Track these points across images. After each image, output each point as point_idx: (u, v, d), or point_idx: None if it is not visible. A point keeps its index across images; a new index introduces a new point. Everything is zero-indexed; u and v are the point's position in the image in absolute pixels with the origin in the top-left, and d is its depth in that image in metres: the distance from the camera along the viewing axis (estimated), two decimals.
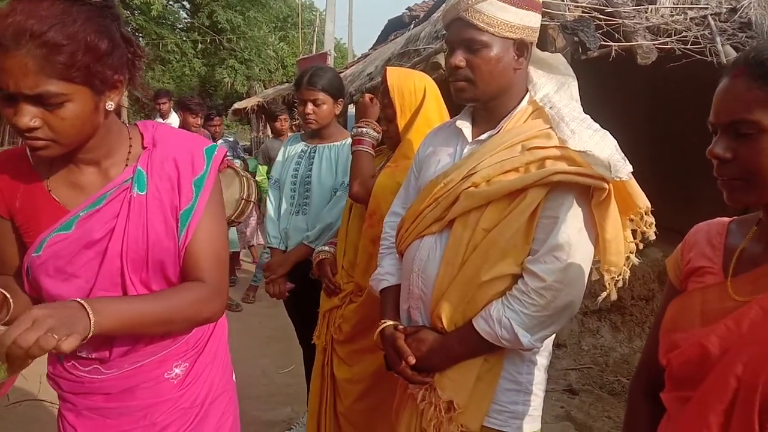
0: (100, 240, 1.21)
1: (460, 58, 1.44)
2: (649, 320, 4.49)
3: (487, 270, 1.41)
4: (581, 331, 4.44)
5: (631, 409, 1.27)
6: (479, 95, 1.48)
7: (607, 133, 1.40)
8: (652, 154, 5.41)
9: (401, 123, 2.07)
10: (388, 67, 2.15)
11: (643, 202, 1.44)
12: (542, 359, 1.53)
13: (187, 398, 1.39)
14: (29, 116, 1.05)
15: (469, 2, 1.40)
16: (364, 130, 2.16)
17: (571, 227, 1.37)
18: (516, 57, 1.44)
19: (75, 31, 1.04)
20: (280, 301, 2.80)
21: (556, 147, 1.39)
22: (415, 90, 2.07)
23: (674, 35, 3.58)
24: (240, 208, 3.07)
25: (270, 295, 2.73)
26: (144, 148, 1.29)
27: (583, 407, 3.53)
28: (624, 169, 1.32)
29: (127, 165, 1.26)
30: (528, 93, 1.50)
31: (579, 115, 1.42)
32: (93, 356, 1.29)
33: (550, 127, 1.41)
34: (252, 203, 3.11)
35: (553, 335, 1.57)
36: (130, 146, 1.28)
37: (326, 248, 2.40)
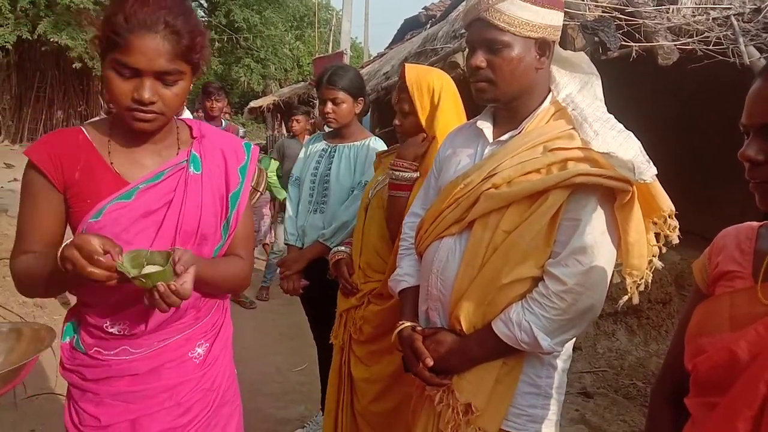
0: (157, 210, 1.32)
1: (481, 59, 1.42)
2: (665, 324, 4.44)
3: (507, 272, 1.39)
4: (596, 334, 4.41)
5: (653, 414, 1.25)
6: (500, 96, 1.46)
7: (631, 134, 1.38)
8: (673, 156, 5.35)
9: (423, 118, 2.05)
10: (406, 64, 2.13)
11: (667, 205, 1.41)
12: (562, 362, 1.51)
13: (207, 379, 1.46)
14: (151, 91, 1.22)
15: (490, 2, 1.38)
16: (404, 174, 2.05)
17: (594, 230, 1.35)
18: (538, 56, 1.42)
19: (194, 21, 1.26)
20: (293, 298, 2.81)
21: (578, 148, 1.37)
22: (432, 88, 2.05)
23: (696, 36, 3.53)
24: (255, 198, 3.11)
25: (284, 291, 2.74)
26: (193, 137, 1.44)
27: (598, 411, 3.50)
28: (648, 171, 1.30)
29: (179, 149, 1.41)
30: (551, 93, 1.48)
31: (603, 116, 1.40)
32: (127, 332, 1.36)
33: (573, 128, 1.39)
34: (259, 192, 3.14)
35: (573, 339, 1.56)
36: (178, 134, 1.43)
37: (342, 248, 2.39)
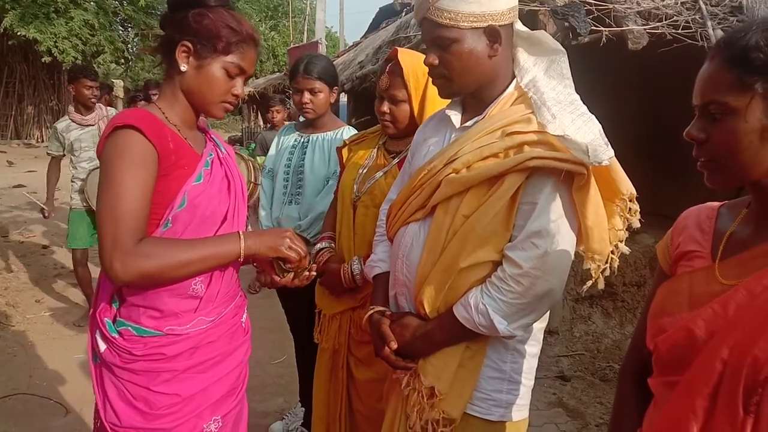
0: (223, 177, 1.53)
1: (433, 57, 1.44)
2: (640, 306, 4.50)
3: (465, 257, 1.39)
4: (573, 318, 4.45)
5: (620, 394, 1.26)
6: (458, 89, 1.47)
7: (593, 117, 1.38)
8: (645, 140, 5.41)
9: (415, 106, 1.97)
10: (399, 49, 2.03)
11: (627, 188, 1.41)
12: (530, 348, 1.52)
13: (249, 344, 1.66)
14: (242, 87, 1.49)
15: (431, 1, 1.39)
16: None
17: (551, 213, 1.35)
18: (489, 45, 1.41)
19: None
20: (272, 291, 2.77)
21: (534, 132, 1.37)
22: (425, 74, 1.90)
23: (665, 20, 3.56)
24: (250, 191, 3.08)
25: (260, 284, 2.70)
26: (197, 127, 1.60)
27: (575, 393, 3.54)
28: (604, 153, 1.30)
29: (203, 135, 1.61)
30: (515, 79, 1.47)
31: (565, 98, 1.39)
32: (201, 305, 1.48)
33: (532, 112, 1.39)
34: (260, 186, 3.12)
35: (544, 324, 1.56)
36: None
37: (325, 245, 2.23)
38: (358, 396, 2.11)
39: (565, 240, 1.37)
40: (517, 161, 1.34)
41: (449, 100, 1.73)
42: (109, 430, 1.43)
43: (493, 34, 1.40)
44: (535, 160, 1.33)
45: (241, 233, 1.44)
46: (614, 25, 3.48)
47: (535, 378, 3.75)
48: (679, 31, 3.50)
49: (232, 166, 1.59)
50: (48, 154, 4.58)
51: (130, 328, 1.43)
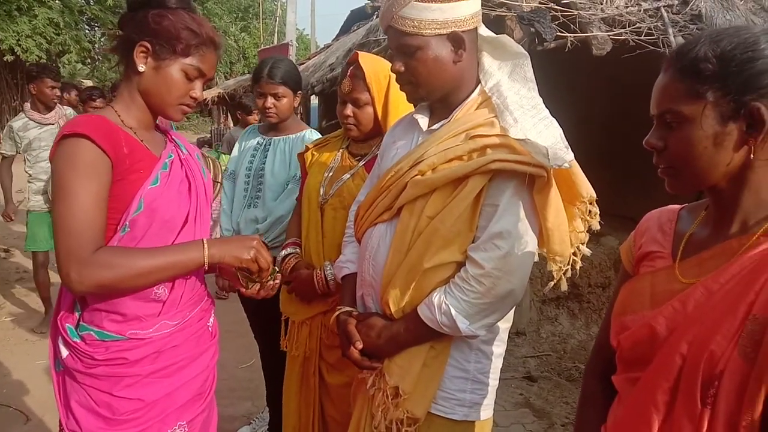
0: (183, 179, 1.51)
1: (399, 64, 1.46)
2: (606, 307, 4.56)
3: (429, 257, 1.41)
4: (540, 319, 4.51)
5: (585, 392, 1.28)
6: (425, 95, 1.49)
7: (554, 121, 1.40)
8: (610, 144, 5.51)
9: (379, 108, 1.98)
10: (359, 52, 2.04)
11: (587, 191, 1.45)
12: (495, 348, 1.54)
13: (216, 348, 1.64)
14: (200, 90, 1.49)
15: (394, 10, 1.41)
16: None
17: (512, 215, 1.38)
18: (454, 50, 1.43)
19: None
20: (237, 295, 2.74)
21: (497, 135, 1.39)
22: (387, 77, 1.96)
23: (628, 26, 3.64)
24: (216, 191, 3.04)
25: (219, 288, 2.65)
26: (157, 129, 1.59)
27: (542, 394, 3.59)
28: (564, 157, 1.32)
29: (163, 136, 1.59)
30: (480, 83, 1.49)
31: (528, 103, 1.41)
32: (165, 308, 1.47)
33: (495, 116, 1.41)
34: (219, 183, 3.07)
35: (509, 324, 1.58)
36: None
37: (291, 250, 2.18)
38: (331, 402, 2.09)
39: (527, 241, 1.39)
40: (480, 164, 1.36)
41: (406, 103, 1.74)
42: None
43: (456, 40, 1.42)
44: (496, 162, 1.35)
45: (204, 241, 1.41)
46: (579, 31, 3.55)
47: (502, 378, 3.80)
48: (642, 37, 3.59)
49: (194, 167, 1.57)
50: (0, 154, 4.40)
51: (92, 332, 1.40)
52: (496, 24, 3.67)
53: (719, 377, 0.86)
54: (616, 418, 1.06)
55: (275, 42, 17.72)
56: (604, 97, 5.61)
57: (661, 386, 0.93)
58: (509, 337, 4.66)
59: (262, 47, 15.50)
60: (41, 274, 4.45)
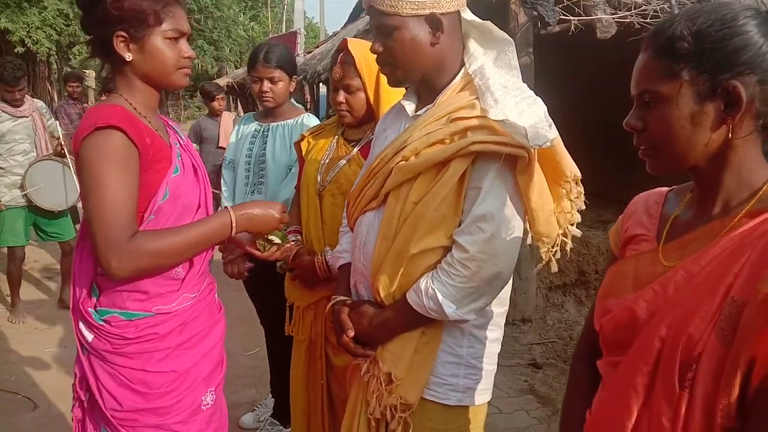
0: (192, 165, 1.55)
1: (377, 45, 1.46)
2: None
3: (415, 243, 1.40)
4: (546, 306, 4.50)
5: (572, 377, 1.27)
6: (404, 77, 1.49)
7: (538, 99, 1.39)
8: (615, 129, 5.45)
9: (371, 94, 1.98)
10: (348, 39, 2.05)
11: (571, 170, 1.44)
12: (488, 333, 1.52)
13: (223, 322, 1.68)
14: (189, 48, 1.48)
15: None
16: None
17: (495, 197, 1.37)
18: (432, 32, 1.42)
19: None
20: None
21: (477, 117, 1.38)
22: (375, 61, 1.99)
23: (634, 9, 3.58)
24: None
25: (228, 276, 2.68)
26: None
27: (547, 381, 3.58)
28: (546, 135, 1.30)
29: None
30: (464, 67, 1.48)
31: (510, 84, 1.40)
32: (184, 280, 1.52)
33: (476, 98, 1.40)
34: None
35: (504, 309, 1.57)
36: None
37: (292, 238, 2.20)
38: (337, 383, 2.12)
39: (512, 223, 1.38)
40: (460, 146, 1.35)
41: (393, 85, 1.74)
42: (110, 417, 1.43)
43: (434, 22, 1.41)
44: (476, 144, 1.34)
45: (229, 209, 1.47)
46: (583, 14, 3.50)
47: (507, 365, 3.77)
48: (648, 20, 3.53)
49: (194, 153, 1.61)
50: None
51: (116, 314, 1.44)
52: (499, 8, 3.63)
53: (697, 360, 0.85)
54: (598, 403, 1.06)
55: (283, 30, 17.68)
56: (608, 81, 5.54)
57: (640, 370, 0.92)
58: (515, 324, 4.62)
59: (271, 36, 15.46)
60: (14, 270, 4.43)
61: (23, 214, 4.32)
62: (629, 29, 3.55)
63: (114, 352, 1.43)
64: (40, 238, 4.64)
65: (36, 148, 4.38)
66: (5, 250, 4.61)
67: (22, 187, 4.24)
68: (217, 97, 5.65)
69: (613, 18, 3.48)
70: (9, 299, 4.60)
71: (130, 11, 1.38)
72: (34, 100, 4.62)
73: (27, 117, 4.32)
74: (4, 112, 4.25)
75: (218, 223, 1.45)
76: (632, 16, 3.52)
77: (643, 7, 3.57)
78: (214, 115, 5.69)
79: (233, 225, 1.45)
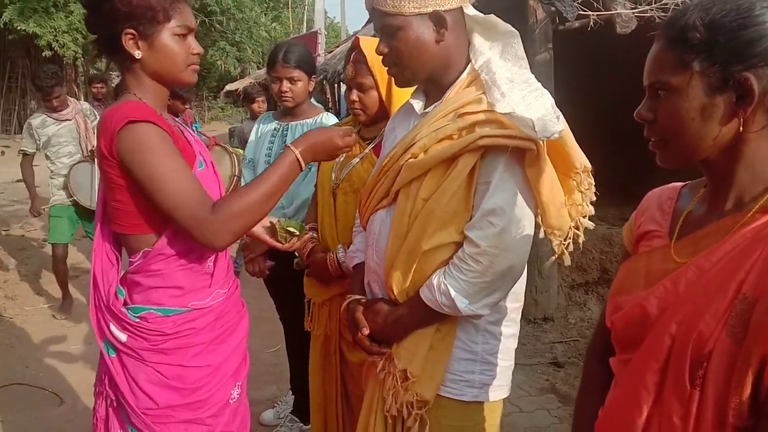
0: (206, 158, 1.57)
1: (383, 46, 1.46)
2: None
3: (427, 239, 1.40)
4: (568, 305, 4.45)
5: (585, 374, 1.27)
6: (411, 76, 1.48)
7: (545, 92, 1.38)
8: (635, 126, 5.37)
9: (383, 92, 2.00)
10: (360, 37, 2.06)
11: (580, 161, 1.42)
12: (504, 328, 1.52)
13: (247, 318, 1.70)
14: (197, 44, 1.49)
15: None
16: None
17: (504, 191, 1.36)
18: (436, 29, 1.42)
19: None
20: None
21: (484, 111, 1.37)
22: None
23: (654, 3, 3.52)
24: (233, 184, 3.08)
25: (250, 274, 2.72)
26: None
27: (568, 380, 3.55)
28: (554, 128, 1.29)
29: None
30: (470, 63, 1.48)
31: (518, 77, 1.39)
32: (214, 276, 1.56)
33: (483, 93, 1.40)
34: (242, 179, 3.12)
35: (519, 304, 1.56)
36: None
37: (309, 235, 2.23)
38: (352, 379, 2.13)
39: (522, 217, 1.38)
40: (468, 141, 1.35)
41: (401, 85, 1.75)
42: (142, 415, 1.44)
43: (438, 20, 1.41)
44: (484, 138, 1.34)
45: (290, 146, 1.46)
46: (602, 9, 3.45)
47: (528, 364, 3.73)
48: (669, 14, 3.46)
49: (206, 150, 1.63)
50: (21, 151, 4.50)
51: (152, 311, 1.46)
52: (517, 4, 3.60)
53: (708, 358, 0.84)
54: (610, 400, 1.05)
55: (304, 30, 17.77)
56: (627, 76, 5.46)
57: (651, 367, 0.91)
58: (536, 322, 4.57)
59: (292, 36, 15.54)
60: (61, 267, 4.60)
61: (67, 212, 4.46)
62: (649, 24, 3.49)
63: (151, 349, 1.45)
64: (89, 236, 4.77)
65: (81, 149, 4.52)
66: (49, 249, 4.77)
67: (66, 188, 4.41)
68: (257, 99, 5.62)
69: (633, 13, 3.43)
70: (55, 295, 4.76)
71: (138, 8, 1.38)
72: (79, 102, 4.73)
73: (71, 120, 4.45)
74: (49, 116, 4.41)
75: (286, 163, 1.44)
76: (653, 10, 3.46)
77: (663, 1, 3.51)
78: (254, 117, 5.66)
79: (300, 159, 1.44)
